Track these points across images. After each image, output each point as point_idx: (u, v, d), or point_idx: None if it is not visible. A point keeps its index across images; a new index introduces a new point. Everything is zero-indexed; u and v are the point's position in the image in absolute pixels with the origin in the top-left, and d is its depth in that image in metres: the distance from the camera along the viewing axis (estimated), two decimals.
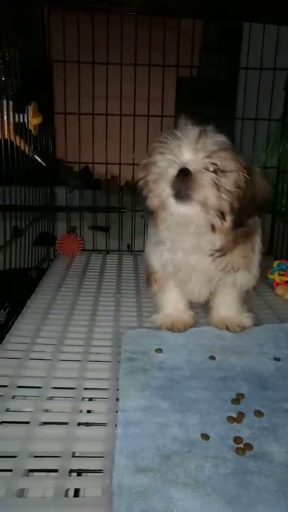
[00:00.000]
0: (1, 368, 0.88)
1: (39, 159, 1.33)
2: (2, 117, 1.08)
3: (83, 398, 0.80)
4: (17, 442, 0.66)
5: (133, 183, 1.76)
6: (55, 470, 0.61)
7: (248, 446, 0.67)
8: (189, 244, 0.94)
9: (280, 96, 1.74)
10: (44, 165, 1.36)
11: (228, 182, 0.86)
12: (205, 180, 0.83)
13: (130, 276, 1.51)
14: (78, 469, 0.63)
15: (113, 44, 1.60)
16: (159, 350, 0.96)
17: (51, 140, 1.67)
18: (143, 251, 1.74)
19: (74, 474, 0.62)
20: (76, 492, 0.61)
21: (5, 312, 1.11)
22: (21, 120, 1.17)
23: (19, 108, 1.14)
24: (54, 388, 0.82)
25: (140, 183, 0.95)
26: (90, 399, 0.81)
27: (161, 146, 0.88)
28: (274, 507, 0.56)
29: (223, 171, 0.85)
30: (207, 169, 0.84)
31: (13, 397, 0.79)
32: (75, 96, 1.65)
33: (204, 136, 0.85)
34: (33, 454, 0.65)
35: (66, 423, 0.72)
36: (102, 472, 0.61)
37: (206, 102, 1.85)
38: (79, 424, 0.72)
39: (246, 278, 1.04)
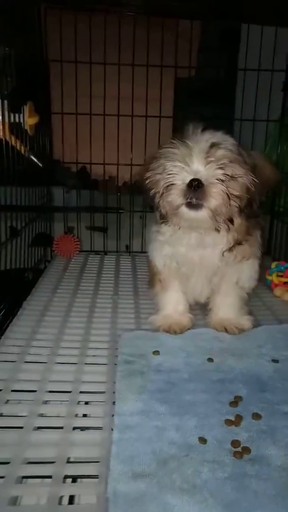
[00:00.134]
0: None
1: (35, 160, 1.32)
2: None
3: (79, 401, 0.79)
4: (10, 448, 0.65)
5: (131, 183, 1.75)
6: (50, 477, 0.60)
7: (246, 450, 0.66)
8: (194, 241, 0.96)
9: (278, 97, 1.74)
10: (41, 165, 1.34)
11: (237, 187, 0.88)
12: (217, 190, 0.86)
13: (128, 277, 1.50)
14: (73, 475, 0.61)
15: (111, 44, 1.60)
16: (156, 353, 0.95)
17: (48, 141, 1.66)
18: (141, 252, 1.74)
19: (69, 480, 0.61)
20: (71, 499, 0.60)
21: (0, 314, 1.09)
22: (17, 120, 1.16)
23: (15, 108, 1.13)
24: (50, 391, 0.81)
25: (147, 182, 0.95)
26: (86, 403, 0.80)
27: (170, 152, 0.89)
28: None
29: (232, 177, 0.87)
30: (218, 179, 0.86)
31: (7, 401, 0.78)
32: (72, 96, 1.64)
33: (215, 146, 0.86)
34: (27, 460, 0.63)
35: (61, 428, 0.70)
36: (97, 478, 0.60)
37: (205, 102, 1.84)
38: (74, 428, 0.71)
39: (249, 270, 1.04)
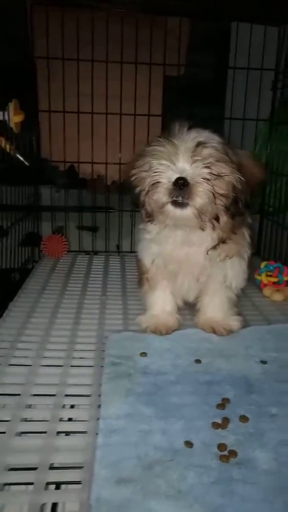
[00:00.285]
0: None
1: (21, 158, 1.30)
2: None
3: (64, 405, 0.77)
4: None
5: (120, 182, 1.74)
6: (31, 483, 0.58)
7: (233, 453, 0.65)
8: (179, 238, 0.96)
9: (267, 97, 1.74)
10: (27, 164, 1.32)
11: (222, 185, 0.88)
12: (203, 189, 0.85)
13: (116, 277, 1.49)
14: (56, 482, 0.60)
15: (99, 41, 1.58)
16: (144, 354, 0.93)
17: (36, 139, 1.64)
18: (130, 251, 1.73)
19: (53, 487, 0.60)
20: (54, 507, 0.58)
21: None
22: (1, 118, 1.13)
23: None
24: (34, 395, 0.80)
25: (132, 179, 0.94)
26: (72, 406, 0.78)
27: (156, 150, 0.88)
28: None
29: (218, 175, 0.87)
30: (204, 178, 0.85)
31: None
32: (59, 94, 1.62)
33: (201, 145, 0.85)
34: (9, 466, 0.62)
35: (45, 433, 0.69)
36: (81, 485, 0.59)
37: (194, 101, 1.83)
38: (58, 433, 0.69)
39: (236, 269, 1.03)
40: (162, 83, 1.72)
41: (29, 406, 0.77)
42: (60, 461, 0.64)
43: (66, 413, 0.75)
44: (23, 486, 0.60)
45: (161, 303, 1.08)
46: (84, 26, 1.55)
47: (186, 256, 0.99)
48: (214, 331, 1.04)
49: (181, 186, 0.84)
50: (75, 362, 0.91)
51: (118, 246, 1.80)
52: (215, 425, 0.71)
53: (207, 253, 0.97)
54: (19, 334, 1.02)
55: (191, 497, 0.57)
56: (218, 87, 1.97)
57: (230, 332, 1.04)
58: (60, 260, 1.65)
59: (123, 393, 0.79)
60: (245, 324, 1.09)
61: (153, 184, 0.88)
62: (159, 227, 0.96)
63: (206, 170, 0.85)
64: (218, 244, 0.95)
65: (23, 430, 0.70)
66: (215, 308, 1.07)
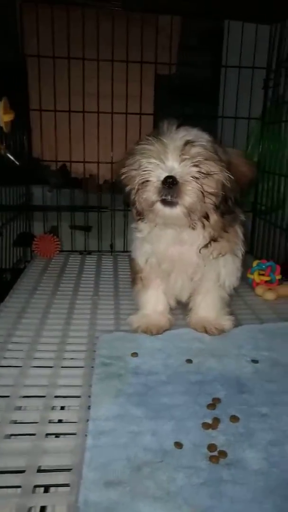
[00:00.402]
0: None
1: (12, 158, 1.28)
2: None
3: (54, 407, 0.76)
4: None
5: (112, 181, 1.73)
6: (19, 487, 0.58)
7: (222, 454, 0.64)
8: (171, 237, 0.96)
9: (259, 95, 1.74)
10: (18, 163, 1.31)
11: (211, 184, 0.87)
12: (191, 188, 0.85)
13: (109, 277, 1.48)
14: (44, 485, 0.59)
15: (89, 40, 1.57)
16: (135, 354, 0.93)
17: (27, 138, 1.62)
18: (123, 251, 1.72)
19: (41, 490, 0.59)
20: (43, 510, 0.58)
21: None
22: None
23: None
24: (24, 397, 0.79)
25: (122, 178, 0.94)
26: (62, 408, 0.77)
27: (145, 149, 0.88)
28: None
29: (207, 174, 0.86)
30: (192, 177, 0.85)
31: None
32: (50, 92, 1.61)
33: (189, 144, 0.85)
34: None
35: (33, 435, 0.68)
36: (69, 487, 0.58)
37: (186, 100, 1.83)
38: (47, 435, 0.69)
39: (229, 267, 1.03)
40: (153, 82, 1.71)
41: (19, 408, 0.76)
42: (49, 464, 0.63)
43: (56, 415, 0.74)
44: (11, 490, 0.59)
45: (153, 303, 1.08)
46: (75, 24, 1.54)
47: (179, 255, 0.98)
48: (206, 331, 1.03)
49: (170, 184, 0.84)
50: (65, 363, 0.91)
51: (111, 246, 1.79)
52: (206, 426, 0.71)
53: (199, 252, 0.96)
54: (9, 335, 1.01)
55: (180, 498, 0.56)
56: (211, 85, 1.97)
57: (221, 332, 1.04)
58: (53, 260, 1.64)
59: (113, 393, 0.78)
60: (237, 323, 1.09)
61: (143, 182, 0.87)
62: (150, 226, 0.96)
63: (195, 169, 0.85)
64: (209, 242, 0.95)
65: (12, 433, 0.69)
66: (207, 307, 1.07)
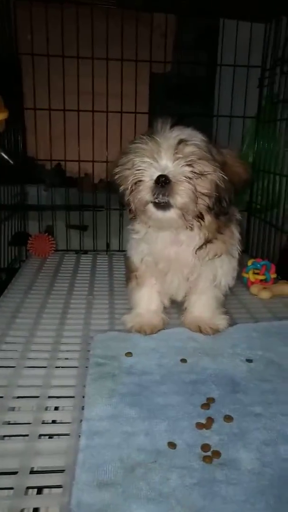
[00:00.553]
0: None
1: (6, 157, 1.27)
2: None
3: (47, 407, 0.76)
4: None
5: (107, 181, 1.72)
6: (11, 488, 0.57)
7: (216, 454, 0.64)
8: (168, 237, 0.95)
9: (254, 94, 1.74)
10: (12, 162, 1.30)
11: (205, 184, 0.87)
12: (184, 188, 0.84)
13: (104, 277, 1.47)
14: (37, 486, 0.59)
15: (84, 38, 1.56)
16: (129, 354, 0.92)
17: (21, 137, 1.62)
18: (119, 250, 1.72)
19: (34, 492, 0.59)
20: None
21: None
22: None
23: None
24: (17, 397, 0.78)
25: (116, 177, 0.94)
26: (56, 408, 0.77)
27: (139, 148, 0.88)
28: None
29: (201, 174, 0.86)
30: (186, 176, 0.84)
31: None
32: (45, 91, 1.60)
33: (183, 143, 0.85)
34: None
35: (26, 436, 0.68)
36: (62, 488, 0.58)
37: (181, 99, 1.82)
38: (40, 436, 0.68)
39: (226, 267, 1.03)
40: (148, 81, 1.71)
41: (12, 409, 0.76)
42: (42, 465, 0.63)
43: (49, 416, 0.74)
44: (3, 491, 0.59)
45: (146, 301, 1.07)
46: (69, 22, 1.53)
47: (175, 255, 0.98)
48: (200, 330, 1.03)
49: (163, 183, 0.83)
50: (59, 363, 0.90)
51: (108, 245, 1.79)
52: (199, 426, 0.71)
53: (195, 253, 0.96)
54: (3, 335, 1.01)
55: (173, 499, 0.56)
56: (206, 84, 1.97)
57: (216, 331, 1.03)
58: (48, 260, 1.63)
59: (107, 394, 0.78)
60: (232, 322, 1.09)
61: (136, 182, 0.87)
62: (145, 227, 0.95)
63: (188, 169, 0.84)
64: (204, 244, 0.95)
65: (5, 434, 0.69)
66: (202, 307, 1.07)
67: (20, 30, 1.55)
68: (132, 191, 0.88)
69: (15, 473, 0.60)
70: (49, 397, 0.79)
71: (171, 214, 0.87)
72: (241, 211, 1.70)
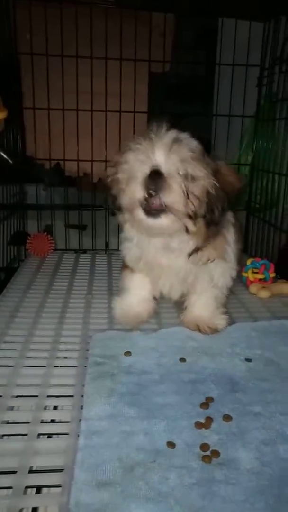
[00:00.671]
0: None
1: (5, 156, 1.27)
2: None
3: (46, 406, 0.76)
4: None
5: (104, 183, 1.72)
6: (10, 488, 0.57)
7: (215, 453, 0.64)
8: (159, 244, 0.95)
9: (253, 93, 1.73)
10: (11, 162, 1.30)
11: (197, 188, 0.86)
12: (176, 184, 0.84)
13: (103, 276, 1.47)
14: (36, 485, 0.59)
15: (83, 37, 1.56)
16: (128, 353, 0.92)
17: (20, 136, 1.61)
18: (118, 249, 1.71)
19: (33, 491, 0.59)
20: (34, 511, 0.57)
21: None
22: None
23: None
24: (16, 397, 0.78)
25: (109, 180, 0.94)
26: (54, 408, 0.77)
27: (133, 146, 0.87)
28: None
29: (193, 178, 0.85)
30: (178, 173, 0.84)
31: None
32: (44, 90, 1.60)
33: (178, 142, 0.85)
34: None
35: (25, 435, 0.68)
36: (60, 488, 0.58)
37: (180, 98, 1.82)
38: (39, 435, 0.68)
39: (222, 269, 1.03)
40: (147, 80, 1.71)
41: (11, 408, 0.76)
42: (41, 464, 0.63)
43: (48, 415, 0.74)
44: (2, 491, 0.58)
45: (137, 287, 1.09)
46: (68, 22, 1.53)
47: (168, 262, 0.98)
48: (199, 330, 1.03)
49: (155, 174, 0.82)
50: (58, 362, 0.90)
51: (107, 244, 1.79)
52: (198, 425, 0.71)
53: (188, 258, 0.96)
54: (2, 334, 1.01)
55: (172, 499, 0.56)
56: (205, 83, 1.96)
57: (215, 331, 1.03)
58: (47, 259, 1.63)
59: (106, 393, 0.78)
60: (231, 322, 1.09)
61: (128, 178, 0.86)
62: (137, 233, 0.96)
63: (181, 165, 0.84)
64: (195, 251, 0.94)
65: (4, 433, 0.69)
66: (202, 306, 1.07)
67: (19, 29, 1.54)
68: (124, 190, 0.88)
69: (14, 472, 0.60)
70: (48, 396, 0.79)
71: (162, 221, 0.86)
72: (240, 210, 1.72)
